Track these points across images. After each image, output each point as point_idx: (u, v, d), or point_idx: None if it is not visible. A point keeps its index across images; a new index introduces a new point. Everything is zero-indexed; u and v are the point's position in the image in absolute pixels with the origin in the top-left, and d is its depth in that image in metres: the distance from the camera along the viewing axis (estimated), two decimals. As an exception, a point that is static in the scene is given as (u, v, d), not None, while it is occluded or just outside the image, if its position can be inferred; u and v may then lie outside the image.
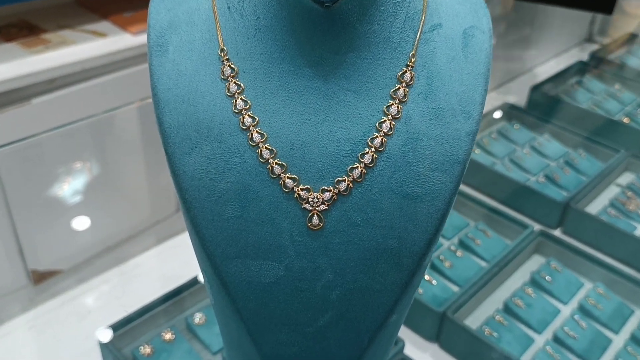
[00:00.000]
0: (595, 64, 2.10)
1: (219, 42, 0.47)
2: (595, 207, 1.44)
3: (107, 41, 1.13)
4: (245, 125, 0.45)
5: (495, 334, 1.08)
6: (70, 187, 1.16)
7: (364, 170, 0.45)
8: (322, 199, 0.45)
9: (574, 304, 1.18)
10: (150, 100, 0.50)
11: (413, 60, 0.47)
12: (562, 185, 1.50)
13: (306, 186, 0.45)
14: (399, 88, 0.46)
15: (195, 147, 0.46)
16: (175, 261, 1.31)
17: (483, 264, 1.23)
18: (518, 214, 1.40)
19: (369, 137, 0.46)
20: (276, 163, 0.45)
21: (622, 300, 1.18)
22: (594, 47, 2.38)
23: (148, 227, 1.34)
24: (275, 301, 0.47)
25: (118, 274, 1.25)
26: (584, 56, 2.21)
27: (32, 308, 1.16)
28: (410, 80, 0.46)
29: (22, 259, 1.12)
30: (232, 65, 0.46)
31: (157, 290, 1.12)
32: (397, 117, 0.46)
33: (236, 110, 0.46)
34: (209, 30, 0.47)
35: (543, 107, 1.82)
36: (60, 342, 1.07)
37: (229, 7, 0.47)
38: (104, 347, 0.97)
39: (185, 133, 0.46)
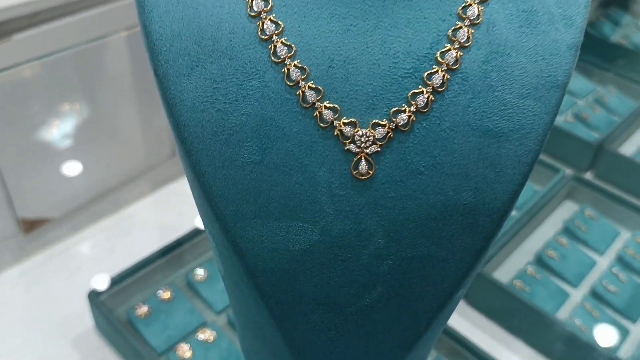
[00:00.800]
0: (623, -6, 1.93)
1: None
2: (628, 149, 1.33)
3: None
4: (266, 34, 0.33)
5: (527, 289, 0.98)
6: (58, 130, 1.06)
7: (432, 97, 0.33)
8: (374, 137, 0.33)
9: (611, 254, 1.08)
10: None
11: (498, -59, 0.33)
12: (593, 125, 1.38)
13: (351, 119, 0.33)
14: (480, -19, 0.33)
15: (197, 66, 0.33)
16: (173, 209, 1.20)
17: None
18: (546, 156, 1.28)
19: (438, 50, 0.33)
20: (309, 87, 0.32)
21: (663, 251, 1.08)
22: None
23: (143, 172, 1.24)
24: (307, 274, 0.35)
25: (112, 223, 1.15)
26: (609, -14, 2.04)
27: (23, 258, 1.07)
28: (495, -29, 0.33)
29: (10, 207, 1.03)
30: (246, -51, 0.33)
31: (154, 242, 1.01)
32: (476, 22, 0.33)
33: (253, 13, 0.33)
34: None
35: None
36: (51, 297, 0.98)
37: None
38: (95, 307, 0.87)
39: (182, 46, 0.33)
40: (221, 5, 0.33)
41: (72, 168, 1.11)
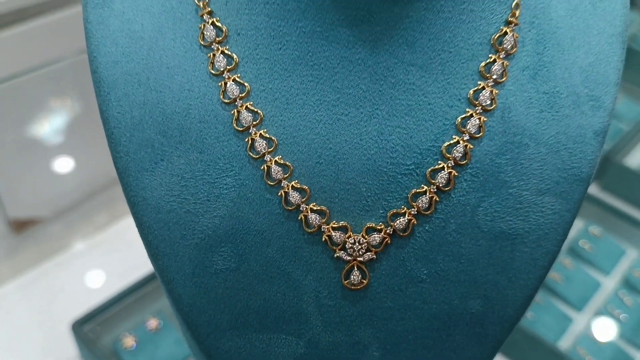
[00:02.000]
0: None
1: None
2: (636, 159, 1.28)
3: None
4: (243, 125, 0.28)
5: (530, 315, 0.94)
6: (50, 127, 1.02)
7: (436, 197, 0.28)
8: (368, 243, 0.28)
9: (616, 275, 1.04)
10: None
11: (517, 12, 0.28)
12: (598, 134, 1.33)
13: (342, 223, 0.28)
14: (494, 60, 0.28)
15: (162, 160, 0.28)
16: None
17: (514, 230, 1.07)
18: (550, 168, 1.23)
19: (444, 142, 0.28)
20: (293, 186, 0.28)
21: (671, 272, 1.04)
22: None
23: None
24: (292, 390, 0.31)
25: (103, 238, 1.11)
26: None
27: (14, 259, 1.05)
28: (512, 48, 0.29)
29: (0, 207, 0.99)
30: (218, 23, 0.28)
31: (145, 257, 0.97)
32: (489, 108, 0.28)
33: (227, 100, 0.28)
34: (179, -40, 0.29)
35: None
36: (35, 320, 0.95)
37: None
38: (78, 338, 0.83)
39: (144, 137, 0.28)
40: (190, 89, 0.28)
41: (64, 166, 1.06)
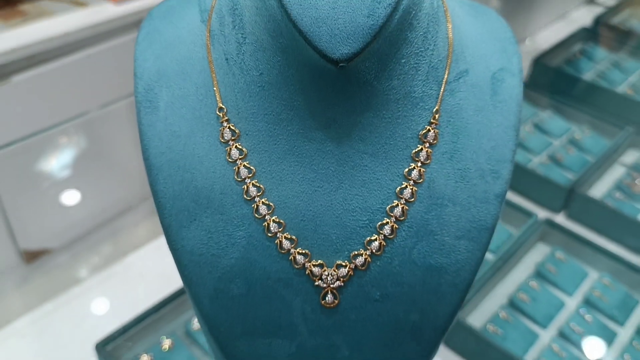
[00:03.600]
0: (599, 30, 2.02)
1: (216, 99, 0.41)
2: (600, 189, 1.41)
3: (88, 12, 1.04)
4: (250, 196, 0.41)
5: (500, 332, 1.06)
6: (58, 161, 1.10)
7: (383, 243, 0.41)
8: (337, 275, 0.41)
9: (579, 295, 1.16)
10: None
11: (437, 116, 0.42)
12: (566, 166, 1.46)
13: (319, 261, 0.41)
14: (421, 149, 0.41)
15: (194, 220, 0.41)
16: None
17: (487, 254, 1.20)
18: (521, 199, 1.36)
19: (388, 205, 0.41)
20: (285, 237, 0.41)
21: (628, 291, 1.16)
22: (597, 9, 2.29)
23: (142, 200, 1.28)
24: (287, 379, 0.43)
25: (113, 271, 1.21)
26: (587, 20, 2.13)
27: (25, 288, 1.11)
28: (434, 140, 0.42)
29: (12, 239, 1.07)
30: (233, 127, 0.41)
31: (158, 285, 1.06)
32: (418, 181, 0.41)
33: (239, 179, 0.41)
34: (205, 84, 0.42)
35: (545, 80, 1.75)
36: (58, 346, 1.04)
37: (227, 59, 0.41)
38: (102, 358, 0.95)
39: (182, 204, 0.41)
40: (213, 171, 0.41)
41: (71, 198, 1.14)
